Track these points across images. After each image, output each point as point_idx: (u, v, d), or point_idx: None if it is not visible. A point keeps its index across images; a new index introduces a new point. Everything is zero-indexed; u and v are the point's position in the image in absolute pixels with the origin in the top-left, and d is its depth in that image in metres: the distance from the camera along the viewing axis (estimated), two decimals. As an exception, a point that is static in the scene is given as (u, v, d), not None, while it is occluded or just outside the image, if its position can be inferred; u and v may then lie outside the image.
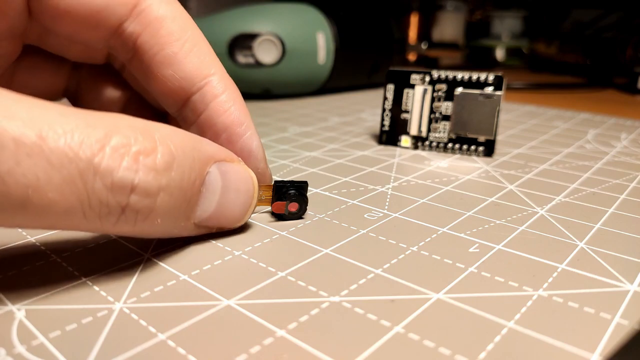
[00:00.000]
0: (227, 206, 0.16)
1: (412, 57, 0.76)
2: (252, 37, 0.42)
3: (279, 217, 0.19)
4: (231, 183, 0.16)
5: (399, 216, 0.19)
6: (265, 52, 0.43)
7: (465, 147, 0.28)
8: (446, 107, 0.28)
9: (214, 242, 0.16)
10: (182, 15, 0.19)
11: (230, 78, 0.19)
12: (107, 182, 0.12)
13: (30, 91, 0.21)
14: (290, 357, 0.11)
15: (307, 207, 0.19)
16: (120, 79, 0.22)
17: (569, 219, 0.19)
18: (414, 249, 0.16)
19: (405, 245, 0.16)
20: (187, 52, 0.18)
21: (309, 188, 0.21)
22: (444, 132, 0.28)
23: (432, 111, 0.28)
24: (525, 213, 0.19)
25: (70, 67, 0.21)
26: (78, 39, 0.19)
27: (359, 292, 0.13)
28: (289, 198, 0.18)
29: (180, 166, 0.14)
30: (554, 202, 0.20)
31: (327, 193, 0.21)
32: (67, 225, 0.12)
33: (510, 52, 0.78)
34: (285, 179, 0.22)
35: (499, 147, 0.30)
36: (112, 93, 0.22)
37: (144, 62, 0.18)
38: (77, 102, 0.22)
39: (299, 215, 0.18)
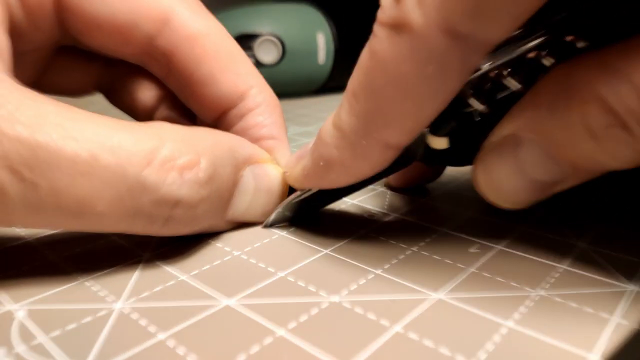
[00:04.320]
0: (257, 205, 0.17)
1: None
2: (252, 37, 0.42)
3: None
4: (263, 184, 0.17)
5: (399, 216, 0.19)
6: (265, 52, 0.43)
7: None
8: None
9: (213, 242, 0.16)
10: (215, 29, 0.19)
11: (269, 90, 0.19)
12: (153, 197, 0.13)
13: (62, 88, 0.21)
14: (290, 357, 0.11)
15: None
16: (154, 77, 0.21)
17: (569, 219, 0.19)
18: (414, 249, 0.16)
19: (405, 246, 0.16)
20: (222, 69, 0.18)
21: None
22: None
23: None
24: (525, 213, 0.19)
25: (103, 64, 0.21)
26: (110, 53, 0.19)
27: (358, 292, 0.13)
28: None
29: (220, 175, 0.15)
30: (554, 202, 0.20)
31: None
32: (113, 230, 0.14)
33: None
34: None
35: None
36: (147, 90, 0.21)
37: (181, 80, 0.19)
38: (111, 96, 0.22)
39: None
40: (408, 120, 0.12)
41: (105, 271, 0.14)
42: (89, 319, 0.12)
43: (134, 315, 0.12)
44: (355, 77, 0.13)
